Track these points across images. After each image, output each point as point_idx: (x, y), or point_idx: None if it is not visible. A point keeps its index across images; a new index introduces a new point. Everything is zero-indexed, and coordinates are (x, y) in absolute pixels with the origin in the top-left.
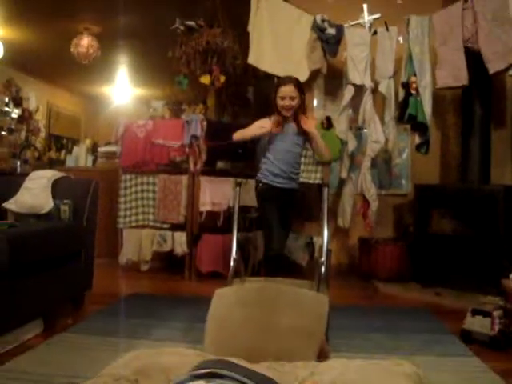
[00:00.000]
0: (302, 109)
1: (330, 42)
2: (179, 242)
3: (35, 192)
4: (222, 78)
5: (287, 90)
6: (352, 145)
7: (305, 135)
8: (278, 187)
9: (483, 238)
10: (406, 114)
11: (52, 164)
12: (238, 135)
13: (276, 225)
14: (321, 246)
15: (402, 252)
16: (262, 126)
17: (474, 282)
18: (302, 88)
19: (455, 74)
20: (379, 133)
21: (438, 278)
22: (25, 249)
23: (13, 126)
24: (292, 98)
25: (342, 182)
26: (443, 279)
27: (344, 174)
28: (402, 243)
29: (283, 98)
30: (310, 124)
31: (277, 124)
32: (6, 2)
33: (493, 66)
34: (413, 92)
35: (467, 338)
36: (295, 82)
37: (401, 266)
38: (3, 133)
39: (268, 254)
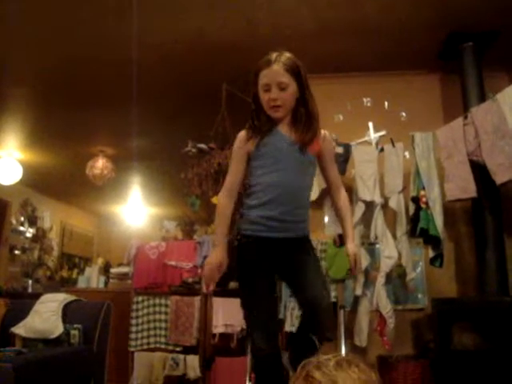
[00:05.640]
0: (304, 110)
1: (338, 160)
2: (192, 366)
3: (45, 316)
4: None
5: (273, 72)
6: (365, 261)
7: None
8: (273, 239)
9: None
10: (418, 228)
11: (64, 283)
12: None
13: (266, 307)
14: None
15: (425, 370)
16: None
17: None
18: (302, 72)
19: (463, 186)
20: (392, 248)
21: None
22: (31, 378)
23: (26, 245)
24: (282, 87)
25: (356, 299)
26: None
27: (358, 291)
28: (423, 361)
29: (267, 89)
30: (328, 143)
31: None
32: (25, 128)
33: (499, 178)
34: (423, 206)
35: None
36: (287, 60)
37: None
38: (16, 252)
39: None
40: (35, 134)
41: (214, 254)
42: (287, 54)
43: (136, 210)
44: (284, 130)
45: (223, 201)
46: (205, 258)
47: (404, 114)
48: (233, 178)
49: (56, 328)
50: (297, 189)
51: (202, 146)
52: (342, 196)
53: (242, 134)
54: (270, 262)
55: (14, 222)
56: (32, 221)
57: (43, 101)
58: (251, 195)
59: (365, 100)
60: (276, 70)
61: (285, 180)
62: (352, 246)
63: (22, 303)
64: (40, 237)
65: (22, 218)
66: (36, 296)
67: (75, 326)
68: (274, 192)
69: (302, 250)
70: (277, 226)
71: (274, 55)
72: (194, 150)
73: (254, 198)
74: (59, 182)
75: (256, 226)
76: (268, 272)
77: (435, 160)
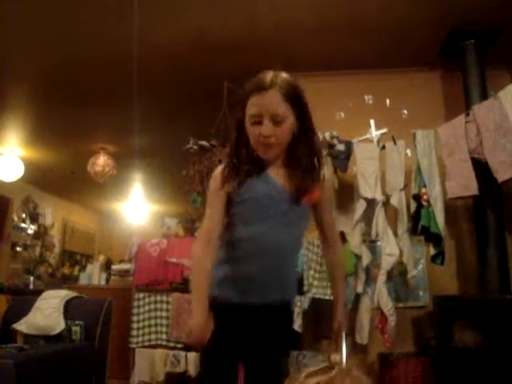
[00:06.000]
0: (302, 150)
1: (339, 157)
2: (193, 363)
3: (47, 313)
4: None
5: (266, 100)
6: (366, 258)
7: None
8: (248, 307)
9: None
10: (419, 226)
11: (65, 280)
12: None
13: None
14: None
15: (426, 368)
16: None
17: None
18: (303, 98)
19: (465, 184)
20: (393, 245)
21: None
22: (32, 374)
23: (28, 242)
24: (277, 120)
25: (357, 297)
26: None
27: (360, 289)
28: (424, 358)
29: (257, 121)
30: (327, 191)
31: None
32: (27, 125)
33: (501, 176)
34: (424, 203)
35: None
36: (284, 84)
37: (425, 383)
38: (18, 248)
39: None
40: (36, 131)
41: (194, 321)
42: (284, 75)
43: (137, 208)
44: (274, 173)
45: (201, 253)
46: None
47: (405, 111)
48: (212, 225)
49: (57, 324)
50: (282, 245)
51: (204, 143)
52: (338, 252)
53: (219, 172)
54: (237, 340)
55: (15, 218)
56: (34, 218)
57: (44, 98)
58: (223, 247)
59: (366, 97)
60: (271, 98)
61: (268, 234)
62: (339, 314)
63: (24, 300)
64: (42, 234)
65: (24, 215)
66: (38, 292)
67: (77, 322)
68: (253, 246)
69: (276, 336)
70: (251, 287)
71: (268, 76)
72: (195, 148)
73: (225, 251)
74: (61, 179)
75: (225, 287)
76: (232, 355)
77: (437, 158)
